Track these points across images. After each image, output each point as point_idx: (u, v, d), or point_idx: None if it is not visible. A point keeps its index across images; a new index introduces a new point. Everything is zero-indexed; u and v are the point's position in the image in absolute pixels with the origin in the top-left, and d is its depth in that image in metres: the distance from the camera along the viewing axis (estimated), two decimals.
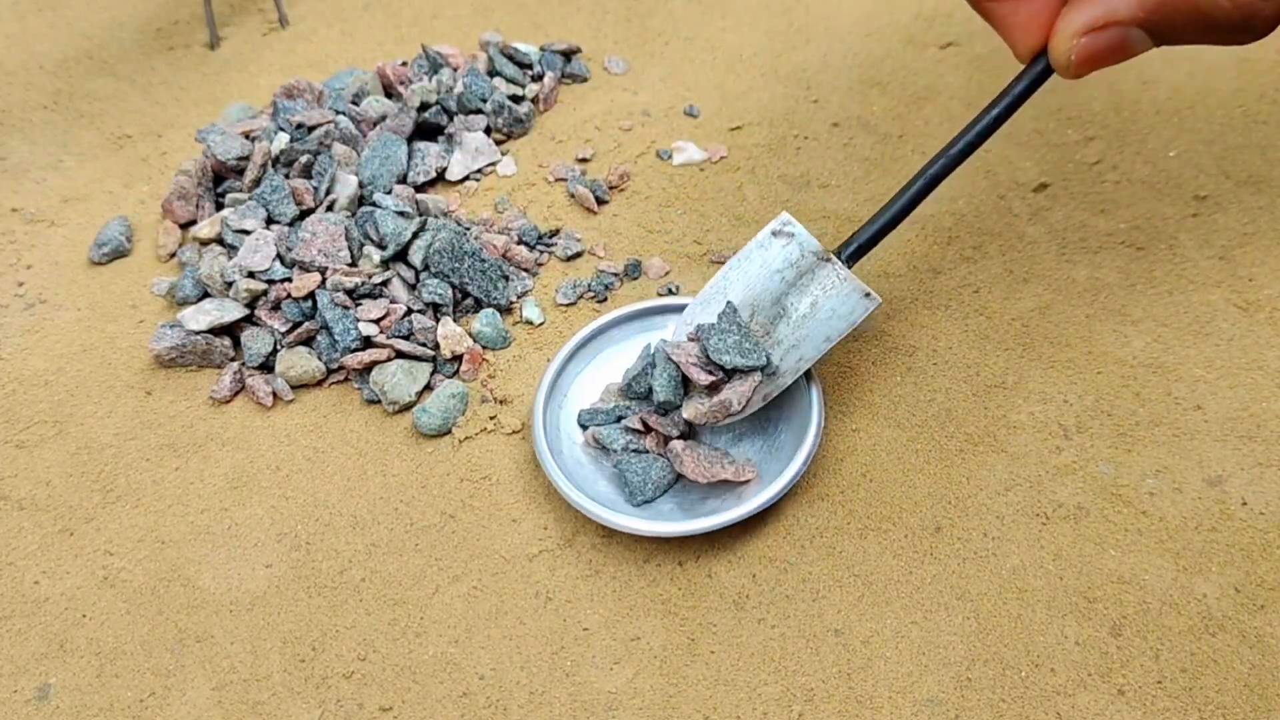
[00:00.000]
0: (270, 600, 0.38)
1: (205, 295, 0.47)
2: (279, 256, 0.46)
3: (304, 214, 0.49)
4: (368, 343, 0.44)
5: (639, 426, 0.41)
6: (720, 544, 0.39)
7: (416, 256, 0.46)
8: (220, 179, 0.53)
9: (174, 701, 0.36)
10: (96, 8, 0.66)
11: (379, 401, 0.44)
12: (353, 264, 0.46)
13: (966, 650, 0.35)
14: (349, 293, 0.44)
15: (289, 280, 0.46)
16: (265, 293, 0.46)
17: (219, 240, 0.49)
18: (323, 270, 0.45)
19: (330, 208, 0.49)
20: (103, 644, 0.38)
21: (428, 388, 0.44)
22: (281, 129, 0.53)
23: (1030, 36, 0.42)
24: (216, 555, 0.40)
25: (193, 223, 0.52)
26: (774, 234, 0.42)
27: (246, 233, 0.48)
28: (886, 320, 0.46)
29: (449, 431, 0.43)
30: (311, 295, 0.45)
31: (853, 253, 0.41)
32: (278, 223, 0.48)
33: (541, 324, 0.47)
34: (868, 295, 0.40)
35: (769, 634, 0.36)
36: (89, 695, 0.36)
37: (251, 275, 0.46)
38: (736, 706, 0.35)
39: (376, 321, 0.44)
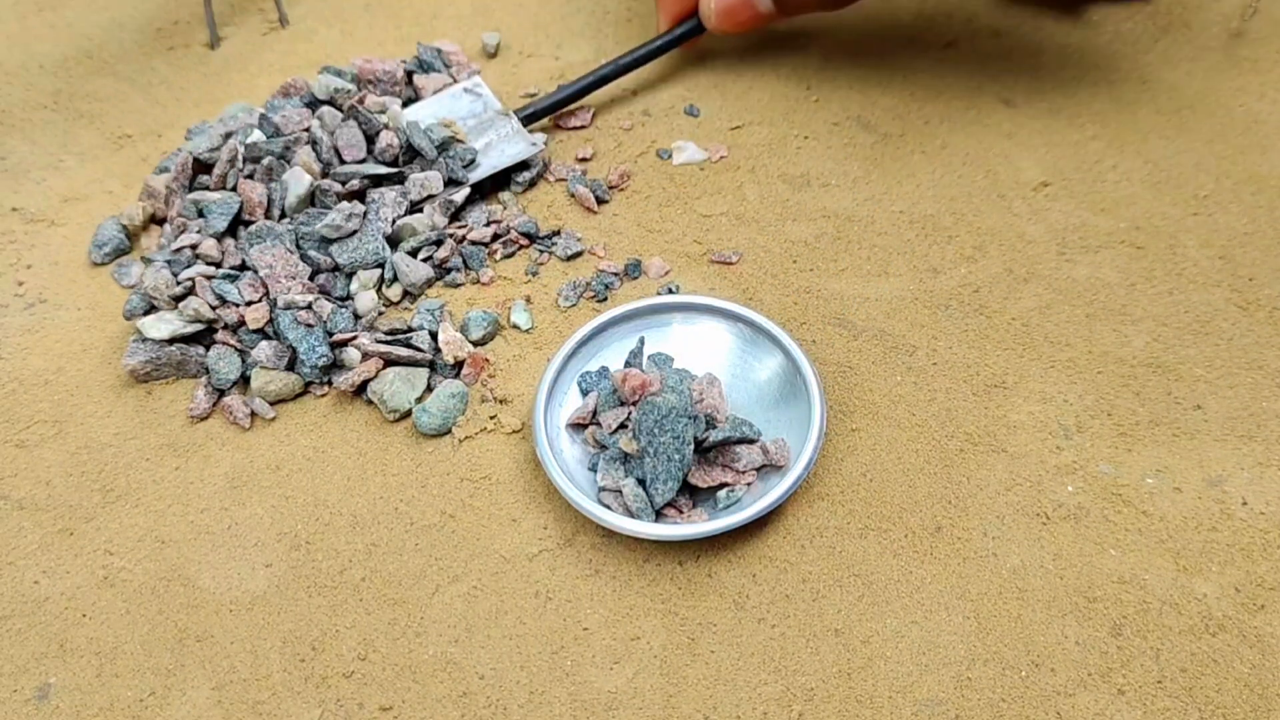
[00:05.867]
0: (270, 600, 0.38)
1: (152, 309, 0.46)
2: (228, 274, 0.45)
3: (246, 223, 0.47)
4: (336, 362, 0.44)
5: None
6: (720, 544, 0.39)
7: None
8: (197, 175, 0.52)
9: (174, 701, 0.36)
10: (96, 8, 0.66)
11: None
12: (313, 277, 0.46)
13: (966, 650, 0.35)
14: (309, 309, 0.44)
15: (243, 305, 0.45)
16: (216, 319, 0.45)
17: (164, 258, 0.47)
18: (274, 301, 0.44)
19: (283, 212, 0.48)
20: (103, 644, 0.38)
21: (427, 389, 0.44)
22: (258, 126, 0.52)
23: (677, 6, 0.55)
24: (216, 555, 0.40)
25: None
26: (465, 90, 0.52)
27: (193, 252, 0.47)
28: (886, 320, 0.46)
29: (449, 431, 0.43)
30: (271, 319, 0.44)
31: (526, 117, 0.52)
32: (215, 235, 0.47)
33: (530, 329, 0.46)
34: (533, 144, 0.50)
35: (769, 634, 0.36)
36: (89, 695, 0.36)
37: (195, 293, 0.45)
38: (736, 706, 0.35)
39: (348, 341, 0.44)
